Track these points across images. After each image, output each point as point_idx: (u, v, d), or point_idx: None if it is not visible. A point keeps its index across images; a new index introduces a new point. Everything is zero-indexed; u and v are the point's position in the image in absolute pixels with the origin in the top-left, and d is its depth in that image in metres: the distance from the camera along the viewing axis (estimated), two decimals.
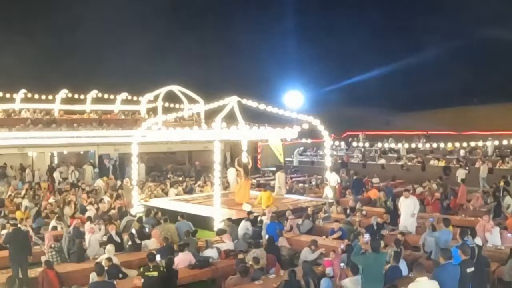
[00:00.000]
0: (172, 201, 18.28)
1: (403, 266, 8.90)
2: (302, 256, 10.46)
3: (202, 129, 21.61)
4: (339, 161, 27.06)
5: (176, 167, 28.55)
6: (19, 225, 11.99)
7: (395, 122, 35.30)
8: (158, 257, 9.02)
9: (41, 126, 23.47)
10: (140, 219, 13.43)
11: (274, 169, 29.08)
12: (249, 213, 13.74)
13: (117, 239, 11.56)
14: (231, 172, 21.31)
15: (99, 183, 20.30)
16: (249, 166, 19.28)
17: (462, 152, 25.43)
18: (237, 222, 13.30)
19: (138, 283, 8.70)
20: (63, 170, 22.42)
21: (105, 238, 11.88)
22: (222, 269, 10.14)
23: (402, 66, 35.47)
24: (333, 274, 9.23)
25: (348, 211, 15.00)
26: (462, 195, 16.97)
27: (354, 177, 19.79)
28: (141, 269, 8.66)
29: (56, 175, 21.71)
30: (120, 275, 9.40)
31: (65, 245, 10.88)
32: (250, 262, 9.57)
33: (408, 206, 12.70)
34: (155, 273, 8.38)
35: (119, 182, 20.83)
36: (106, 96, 29.24)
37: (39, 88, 27.36)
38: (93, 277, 8.76)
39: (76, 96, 28.58)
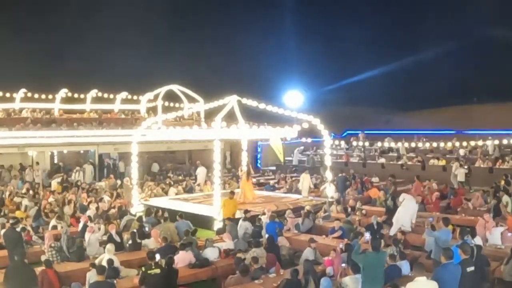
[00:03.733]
0: (172, 200, 18.29)
1: (405, 265, 8.90)
2: (304, 256, 10.45)
3: (202, 128, 21.60)
4: (317, 160, 27.94)
5: (176, 166, 28.53)
6: (14, 225, 11.95)
7: (395, 121, 35.29)
8: (157, 257, 9.02)
9: (40, 125, 23.44)
10: (140, 218, 13.45)
11: (274, 168, 29.16)
12: (245, 212, 13.76)
13: (117, 238, 11.55)
14: (201, 171, 22.22)
15: (101, 184, 20.31)
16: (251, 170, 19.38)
17: (462, 152, 25.43)
18: (237, 221, 13.30)
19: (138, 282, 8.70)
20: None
21: (105, 238, 11.89)
22: (222, 268, 10.15)
23: (402, 66, 35.49)
24: (333, 273, 9.23)
25: (349, 210, 15.02)
26: (416, 190, 17.25)
27: (339, 175, 19.84)
28: (143, 268, 8.65)
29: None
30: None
31: (64, 244, 10.90)
32: (251, 257, 9.56)
33: (410, 208, 12.66)
34: (158, 270, 8.39)
35: (119, 182, 20.85)
36: (106, 95, 29.21)
37: (39, 88, 27.34)
38: (89, 277, 8.77)
39: (76, 95, 28.55)
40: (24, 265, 8.40)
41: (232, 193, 15.44)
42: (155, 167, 26.25)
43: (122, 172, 24.01)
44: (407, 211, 12.67)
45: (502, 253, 9.80)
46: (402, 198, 13.23)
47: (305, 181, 19.03)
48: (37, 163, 22.72)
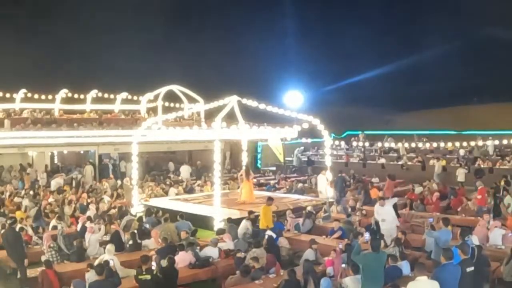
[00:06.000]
0: (172, 201, 18.31)
1: (406, 265, 8.90)
2: (305, 257, 10.44)
3: (202, 128, 21.60)
4: (305, 159, 28.65)
5: (176, 166, 28.54)
6: (12, 225, 11.96)
7: (395, 121, 35.29)
8: (153, 264, 8.98)
9: (40, 125, 23.43)
10: (140, 219, 13.46)
11: (274, 168, 29.16)
12: (250, 212, 13.75)
13: (122, 238, 11.57)
14: (184, 169, 23.37)
15: (105, 186, 20.34)
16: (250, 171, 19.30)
17: (462, 152, 25.43)
18: (237, 221, 13.30)
19: None
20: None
21: (105, 238, 11.92)
22: (222, 269, 10.16)
23: (402, 65, 35.47)
24: (333, 274, 9.23)
25: (349, 210, 15.02)
26: (388, 189, 17.23)
27: (338, 175, 19.79)
28: (135, 273, 8.64)
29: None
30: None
31: (61, 244, 10.91)
32: (251, 260, 9.54)
33: (387, 213, 12.26)
34: (148, 277, 8.33)
35: (119, 182, 20.89)
36: (106, 95, 29.18)
37: (39, 88, 27.30)
38: (88, 277, 8.78)
39: (76, 95, 28.52)
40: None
41: (271, 199, 13.64)
42: (171, 166, 26.56)
43: (123, 172, 24.02)
44: (390, 221, 12.30)
45: (502, 254, 9.79)
46: (376, 210, 12.54)
47: (322, 181, 18.40)
48: (29, 164, 22.76)
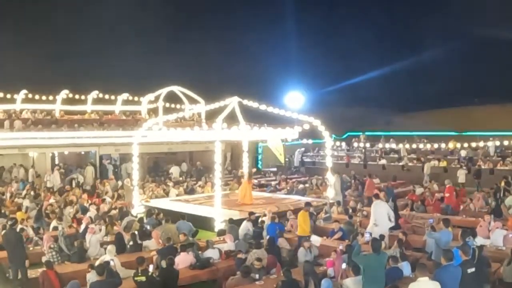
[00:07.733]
0: (173, 202, 18.31)
1: (406, 266, 8.90)
2: (299, 257, 10.48)
3: (203, 129, 21.62)
4: (299, 160, 29.19)
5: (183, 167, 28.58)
6: (13, 226, 11.97)
7: (396, 122, 35.28)
8: (150, 267, 9.00)
9: (41, 126, 23.45)
10: (141, 220, 13.46)
11: (275, 169, 29.16)
12: (251, 213, 13.76)
13: (125, 240, 11.59)
14: (175, 169, 24.34)
15: (107, 187, 20.38)
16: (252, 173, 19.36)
17: (463, 153, 25.42)
18: (238, 222, 13.30)
19: None
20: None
21: (106, 239, 11.90)
22: (222, 270, 10.15)
23: (402, 66, 35.49)
24: (334, 275, 9.23)
25: (350, 211, 15.01)
26: (369, 188, 17.24)
27: (337, 176, 19.72)
28: (132, 274, 8.66)
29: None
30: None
31: (62, 245, 10.91)
32: (252, 262, 9.54)
33: (380, 216, 11.82)
34: (143, 278, 8.35)
35: (120, 183, 20.89)
36: (107, 96, 29.22)
37: (40, 89, 27.34)
38: (89, 278, 8.79)
39: (77, 96, 28.56)
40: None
41: (309, 204, 13.08)
42: (184, 167, 26.76)
43: (129, 173, 24.02)
44: (383, 217, 12.19)
45: (503, 254, 9.79)
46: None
47: (335, 184, 18.24)
48: (20, 165, 22.80)
